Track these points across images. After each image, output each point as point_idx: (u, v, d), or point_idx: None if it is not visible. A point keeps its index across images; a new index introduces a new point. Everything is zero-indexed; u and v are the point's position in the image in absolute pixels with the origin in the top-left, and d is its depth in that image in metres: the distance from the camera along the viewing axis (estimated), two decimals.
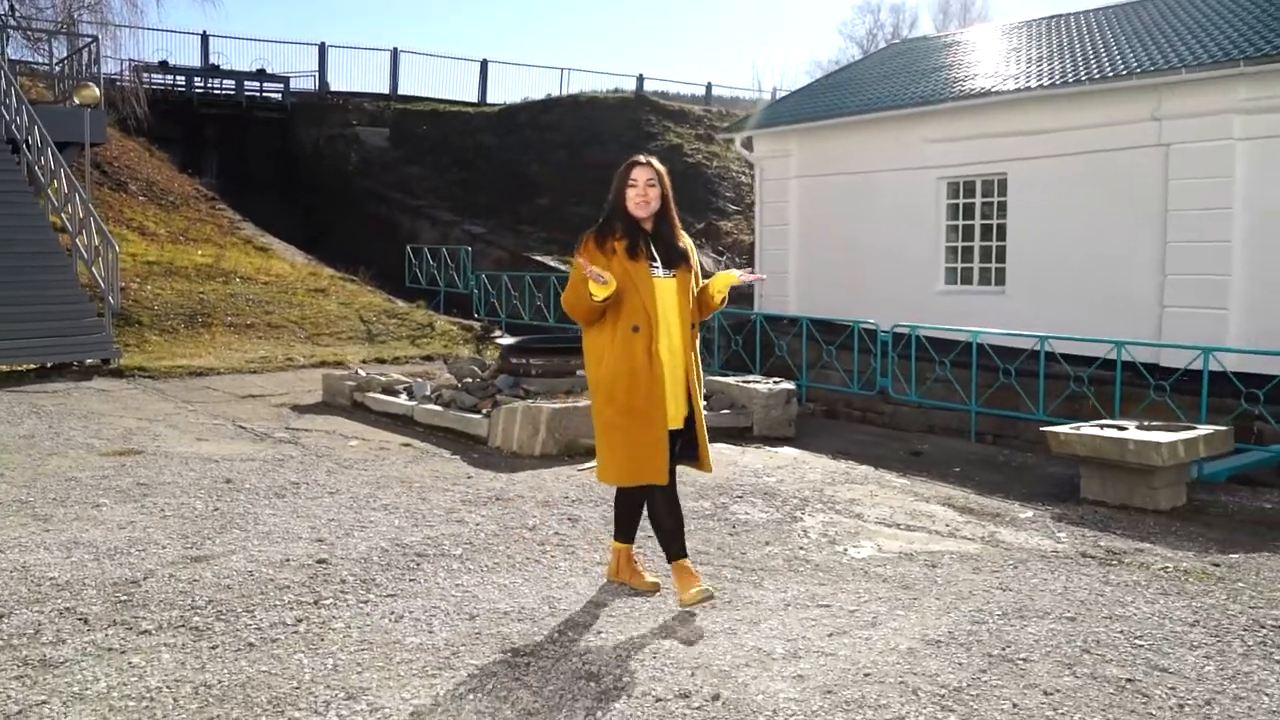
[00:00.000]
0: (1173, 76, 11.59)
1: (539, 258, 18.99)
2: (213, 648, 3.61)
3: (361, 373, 9.47)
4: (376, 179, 23.04)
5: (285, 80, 25.04)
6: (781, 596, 4.32)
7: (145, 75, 21.99)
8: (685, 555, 4.22)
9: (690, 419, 4.14)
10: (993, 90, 13.34)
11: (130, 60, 21.74)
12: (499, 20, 71.93)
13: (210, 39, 24.69)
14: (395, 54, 26.12)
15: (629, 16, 76.43)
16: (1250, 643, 3.84)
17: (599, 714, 3.11)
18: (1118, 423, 7.06)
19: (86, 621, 3.85)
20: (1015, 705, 3.21)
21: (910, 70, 16.13)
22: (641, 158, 4.16)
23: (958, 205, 14.11)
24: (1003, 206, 13.54)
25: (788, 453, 7.65)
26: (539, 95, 26.82)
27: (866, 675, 3.43)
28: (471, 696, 3.22)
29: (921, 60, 16.65)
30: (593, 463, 7.04)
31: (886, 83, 15.85)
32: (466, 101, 26.54)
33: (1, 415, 8.36)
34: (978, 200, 13.88)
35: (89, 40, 15.79)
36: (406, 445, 7.58)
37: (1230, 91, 11.33)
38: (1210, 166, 11.50)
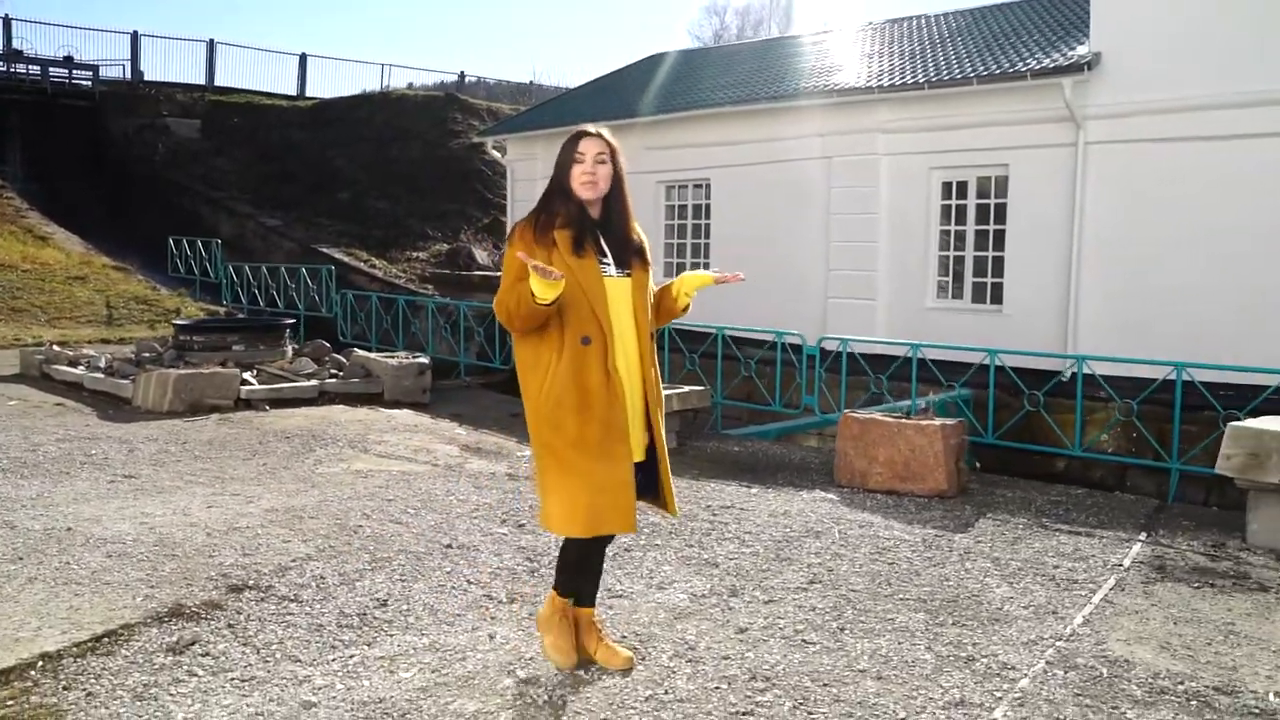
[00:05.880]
0: (827, 99, 14.14)
1: (326, 250, 20.90)
2: None
3: (56, 348, 11.33)
4: (184, 170, 24.67)
5: (95, 68, 26.50)
6: (228, 489, 6.39)
7: None
8: (592, 606, 3.89)
9: (652, 448, 3.67)
10: (694, 104, 15.74)
11: None
12: (325, 13, 73.92)
13: (13, 23, 26.08)
14: (211, 45, 27.80)
15: (461, 10, 79.24)
16: (508, 518, 6.05)
17: (20, 552, 5.14)
18: None
19: None
20: (286, 536, 5.34)
21: (651, 82, 18.53)
22: (590, 127, 3.64)
23: (674, 206, 16.50)
24: (709, 209, 15.96)
25: (391, 413, 9.75)
26: (359, 90, 28.77)
27: (220, 524, 5.52)
28: None
29: (668, 72, 19.08)
30: (206, 419, 9.07)
31: (626, 93, 18.21)
32: (284, 95, 28.32)
33: None
34: (689, 202, 16.28)
35: None
36: (60, 405, 9.50)
37: (874, 114, 13.89)
38: (860, 177, 14.06)
